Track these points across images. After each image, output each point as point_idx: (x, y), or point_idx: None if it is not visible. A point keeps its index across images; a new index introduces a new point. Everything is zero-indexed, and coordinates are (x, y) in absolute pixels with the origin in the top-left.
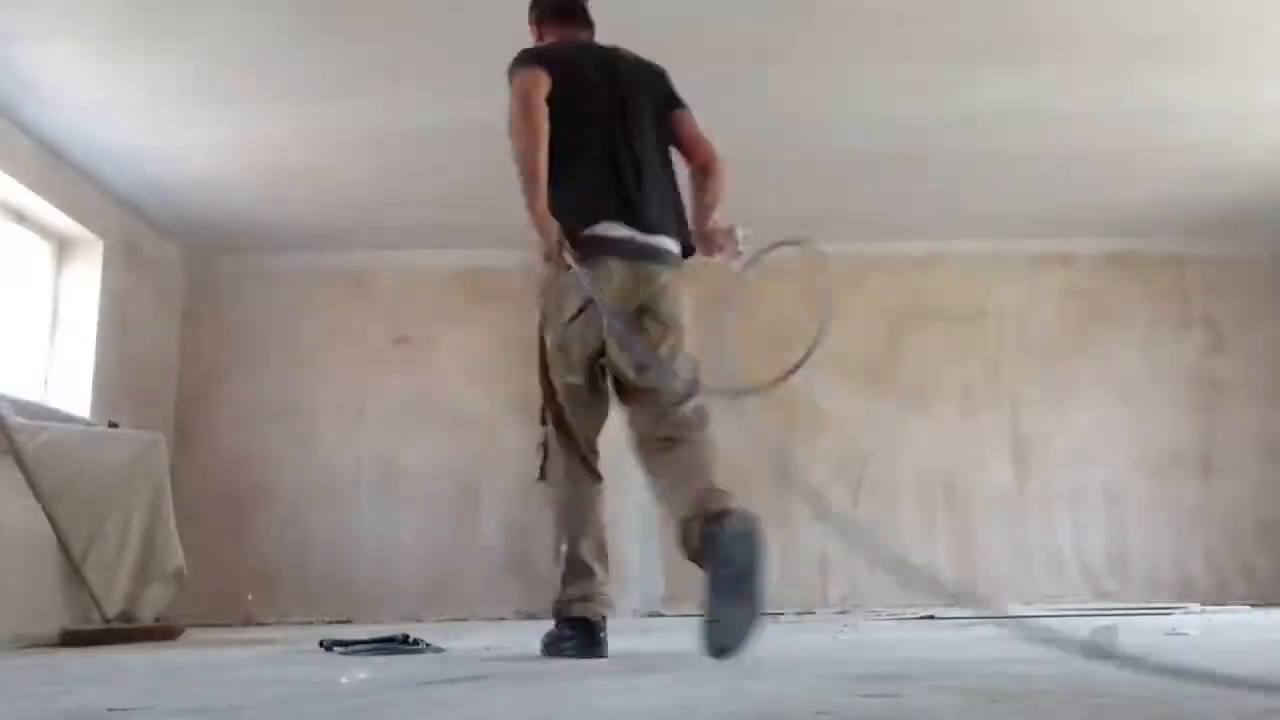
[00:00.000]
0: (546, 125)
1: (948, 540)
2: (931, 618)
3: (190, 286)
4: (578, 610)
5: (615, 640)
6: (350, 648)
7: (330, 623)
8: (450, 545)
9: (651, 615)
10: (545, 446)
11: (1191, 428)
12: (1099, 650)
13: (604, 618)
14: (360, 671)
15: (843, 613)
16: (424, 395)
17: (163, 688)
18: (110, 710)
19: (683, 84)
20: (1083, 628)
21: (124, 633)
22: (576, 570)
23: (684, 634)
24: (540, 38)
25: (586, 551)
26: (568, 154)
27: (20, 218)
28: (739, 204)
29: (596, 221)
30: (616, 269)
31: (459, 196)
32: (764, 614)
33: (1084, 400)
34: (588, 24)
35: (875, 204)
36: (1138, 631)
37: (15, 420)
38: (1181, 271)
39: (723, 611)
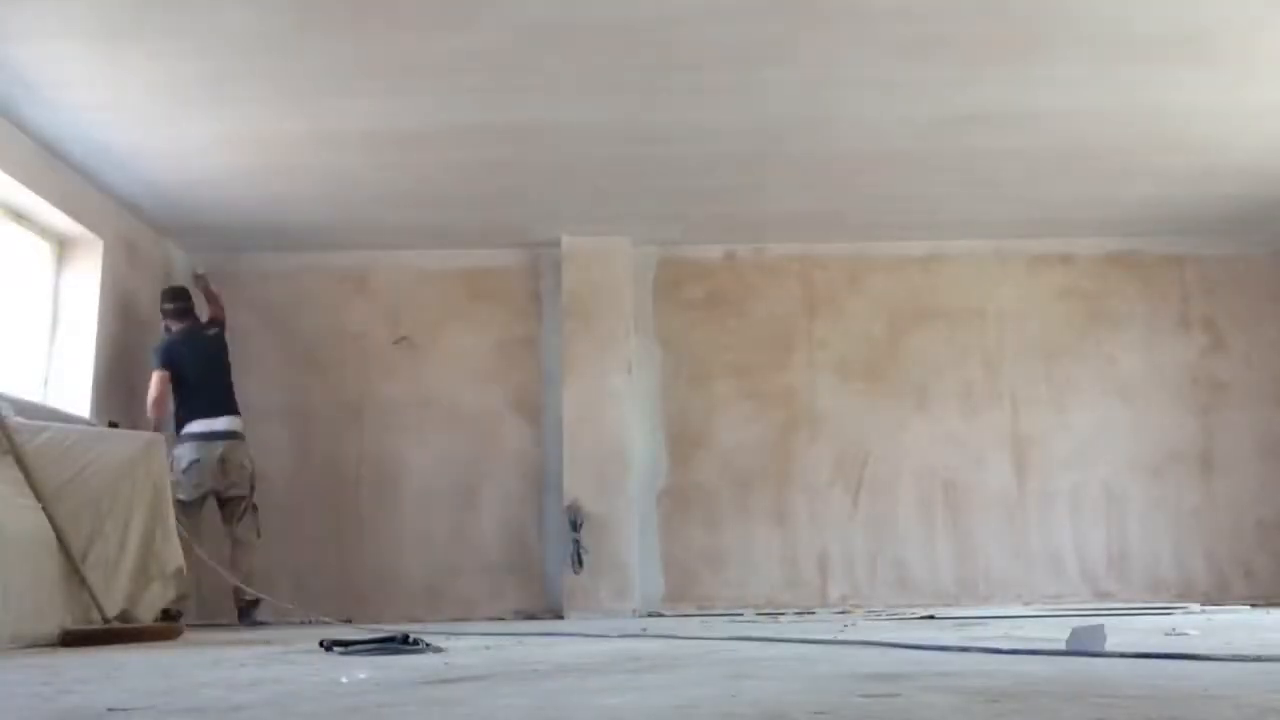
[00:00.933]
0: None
1: (948, 540)
2: (931, 618)
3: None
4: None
5: (616, 640)
6: (350, 648)
7: (330, 623)
8: (450, 545)
9: (651, 615)
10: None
11: (1191, 428)
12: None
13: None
14: (360, 671)
15: (843, 612)
16: (424, 395)
17: (163, 688)
18: (110, 710)
19: (682, 84)
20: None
21: (124, 633)
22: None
23: (684, 634)
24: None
25: None
26: None
27: (20, 218)
28: (739, 204)
29: None
30: None
31: (459, 196)
32: None
33: (1084, 400)
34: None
35: (875, 204)
36: (1138, 632)
37: (15, 420)
38: (1181, 271)
39: None
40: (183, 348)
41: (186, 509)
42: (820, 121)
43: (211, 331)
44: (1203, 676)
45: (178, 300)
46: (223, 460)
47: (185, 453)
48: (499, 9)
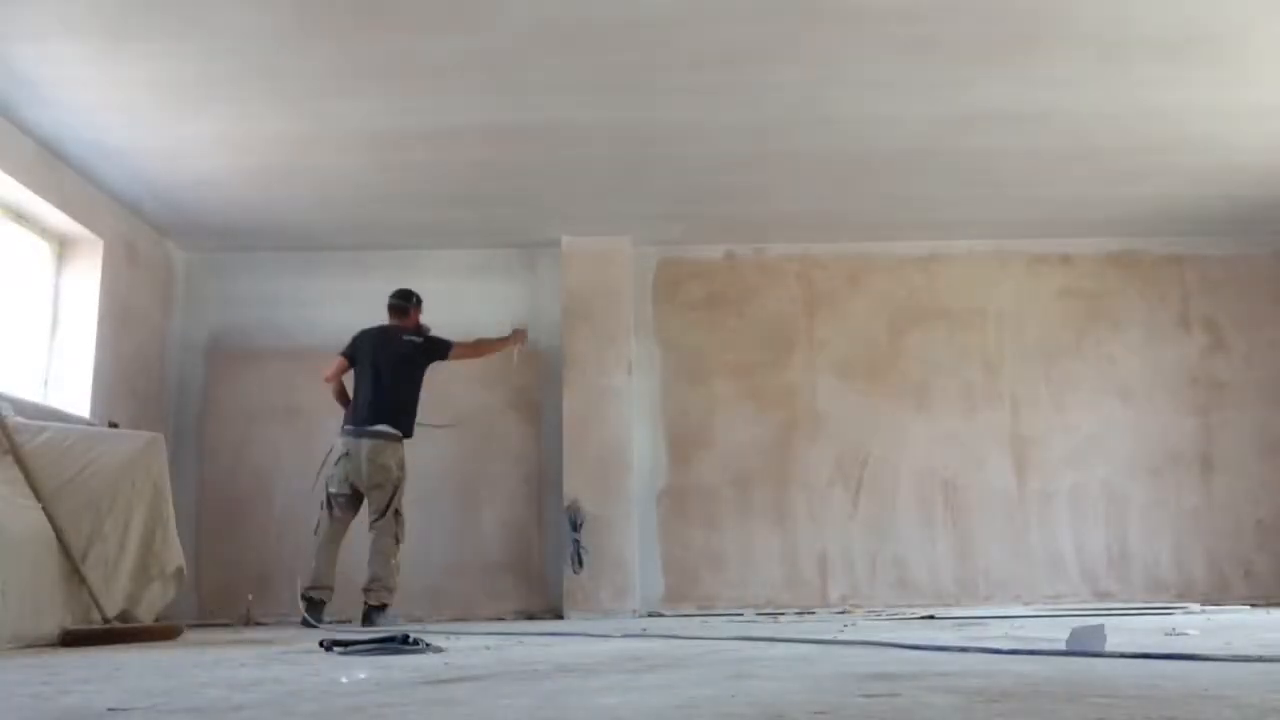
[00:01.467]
0: None
1: (948, 540)
2: (931, 618)
3: (190, 286)
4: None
5: (616, 640)
6: (350, 648)
7: (330, 623)
8: (450, 545)
9: (651, 615)
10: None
11: (1191, 428)
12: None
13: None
14: (360, 671)
15: (843, 612)
16: (424, 395)
17: (163, 688)
18: (110, 710)
19: (683, 84)
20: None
21: (124, 633)
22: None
23: (684, 634)
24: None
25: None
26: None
27: (20, 218)
28: (739, 204)
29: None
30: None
31: (459, 196)
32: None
33: (1084, 400)
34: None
35: (875, 204)
36: (1138, 632)
37: (15, 420)
38: (1181, 271)
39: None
40: (368, 340)
41: (335, 500)
42: (820, 121)
43: (408, 338)
44: (1202, 676)
45: (395, 297)
46: (369, 459)
47: (338, 446)
48: (499, 9)
